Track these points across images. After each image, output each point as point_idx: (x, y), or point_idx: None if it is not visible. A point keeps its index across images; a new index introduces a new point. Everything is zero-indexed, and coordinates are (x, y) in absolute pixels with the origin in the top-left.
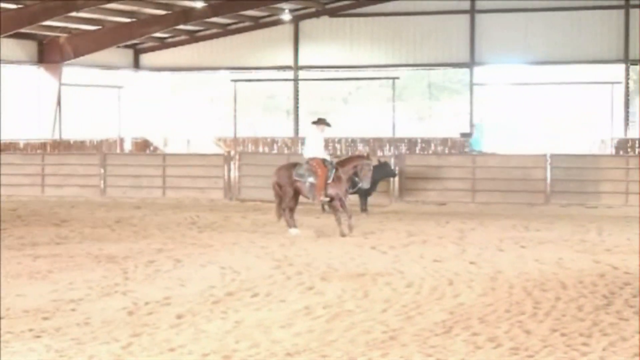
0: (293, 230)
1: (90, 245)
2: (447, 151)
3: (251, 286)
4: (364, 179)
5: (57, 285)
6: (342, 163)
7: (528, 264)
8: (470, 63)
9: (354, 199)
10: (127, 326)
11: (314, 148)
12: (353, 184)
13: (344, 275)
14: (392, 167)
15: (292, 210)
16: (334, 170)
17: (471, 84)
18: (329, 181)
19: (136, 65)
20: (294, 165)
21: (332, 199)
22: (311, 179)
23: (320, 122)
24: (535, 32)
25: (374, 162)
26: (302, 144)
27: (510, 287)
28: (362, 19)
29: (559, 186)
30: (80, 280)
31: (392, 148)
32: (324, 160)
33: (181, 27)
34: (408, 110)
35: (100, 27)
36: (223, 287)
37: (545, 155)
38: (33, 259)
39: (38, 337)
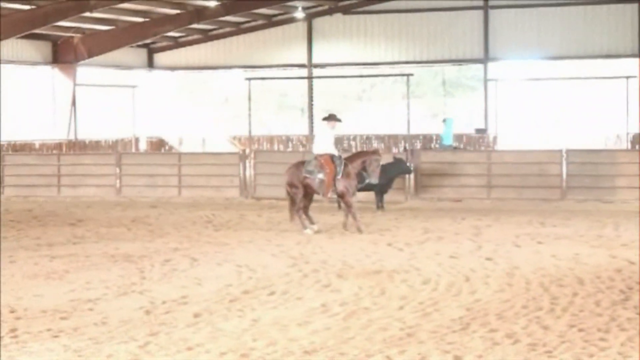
0: (308, 230)
1: (106, 244)
2: (462, 147)
3: (268, 284)
4: (372, 175)
5: (74, 285)
6: (351, 159)
7: (544, 259)
8: (484, 59)
9: (370, 196)
10: (144, 325)
11: (323, 144)
12: (361, 179)
13: (360, 273)
14: (408, 164)
15: (306, 208)
16: (342, 166)
17: (485, 80)
18: (338, 177)
19: (150, 64)
20: (303, 162)
21: (342, 195)
22: (320, 175)
23: (331, 118)
24: (549, 28)
25: (390, 159)
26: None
27: (527, 283)
28: (375, 16)
29: (575, 181)
30: (97, 280)
31: (407, 145)
32: (332, 156)
33: (194, 26)
34: (422, 106)
35: (113, 27)
36: (239, 286)
37: (560, 151)
38: (50, 259)
39: (56, 337)
